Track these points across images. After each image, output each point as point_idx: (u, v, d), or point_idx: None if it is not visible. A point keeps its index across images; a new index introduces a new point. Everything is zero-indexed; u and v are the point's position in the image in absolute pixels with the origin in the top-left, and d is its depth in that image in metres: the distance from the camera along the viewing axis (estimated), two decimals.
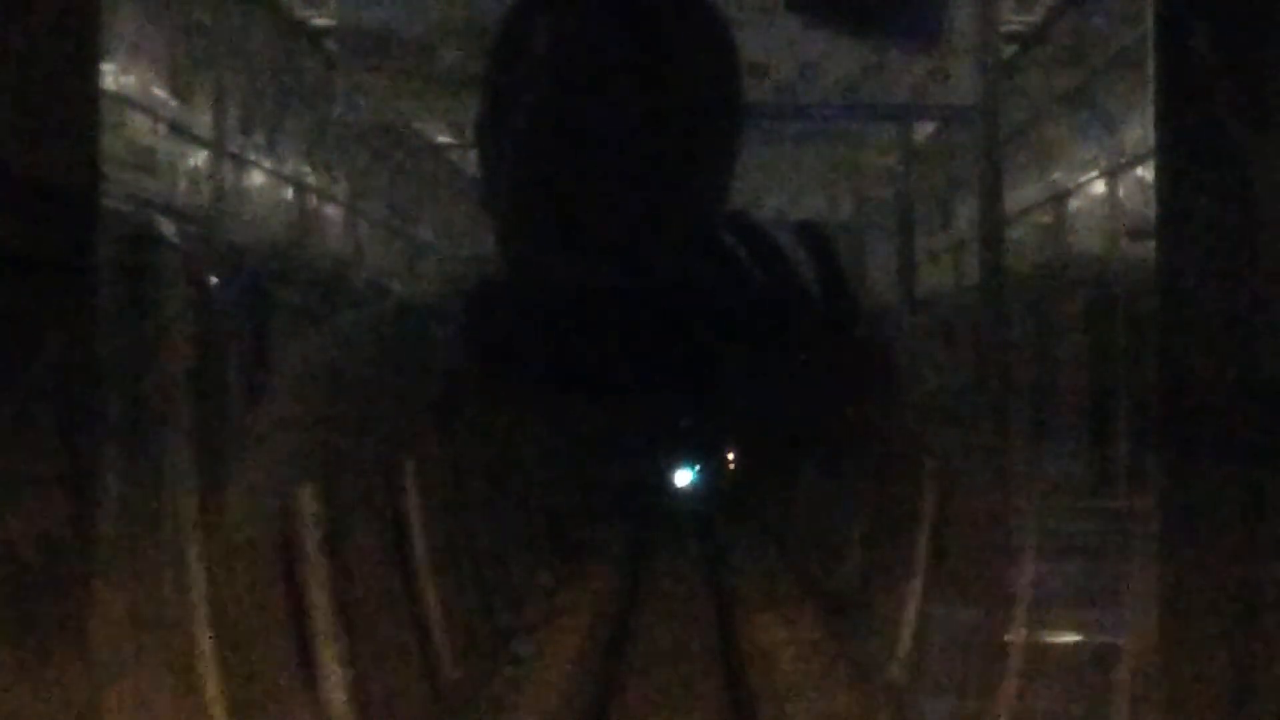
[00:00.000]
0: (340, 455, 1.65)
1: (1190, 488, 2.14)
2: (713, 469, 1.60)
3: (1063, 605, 8.34)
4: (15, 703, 1.91)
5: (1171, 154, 2.19)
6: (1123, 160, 11.23)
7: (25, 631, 1.93)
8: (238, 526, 1.67)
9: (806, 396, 1.55)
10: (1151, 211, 2.20)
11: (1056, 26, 11.80)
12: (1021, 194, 12.88)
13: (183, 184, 9.92)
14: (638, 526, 1.60)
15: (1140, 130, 10.44)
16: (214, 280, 9.87)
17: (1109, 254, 11.44)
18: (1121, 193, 11.35)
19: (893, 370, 1.60)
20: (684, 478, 1.59)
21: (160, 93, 9.57)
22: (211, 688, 1.63)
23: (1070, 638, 7.81)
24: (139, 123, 9.17)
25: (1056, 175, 12.84)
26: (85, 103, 2.03)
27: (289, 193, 12.30)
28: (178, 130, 9.81)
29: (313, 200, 12.83)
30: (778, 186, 15.82)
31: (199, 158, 10.22)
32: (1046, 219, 13.02)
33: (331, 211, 13.43)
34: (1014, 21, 11.48)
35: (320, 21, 10.91)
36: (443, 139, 14.03)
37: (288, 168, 12.11)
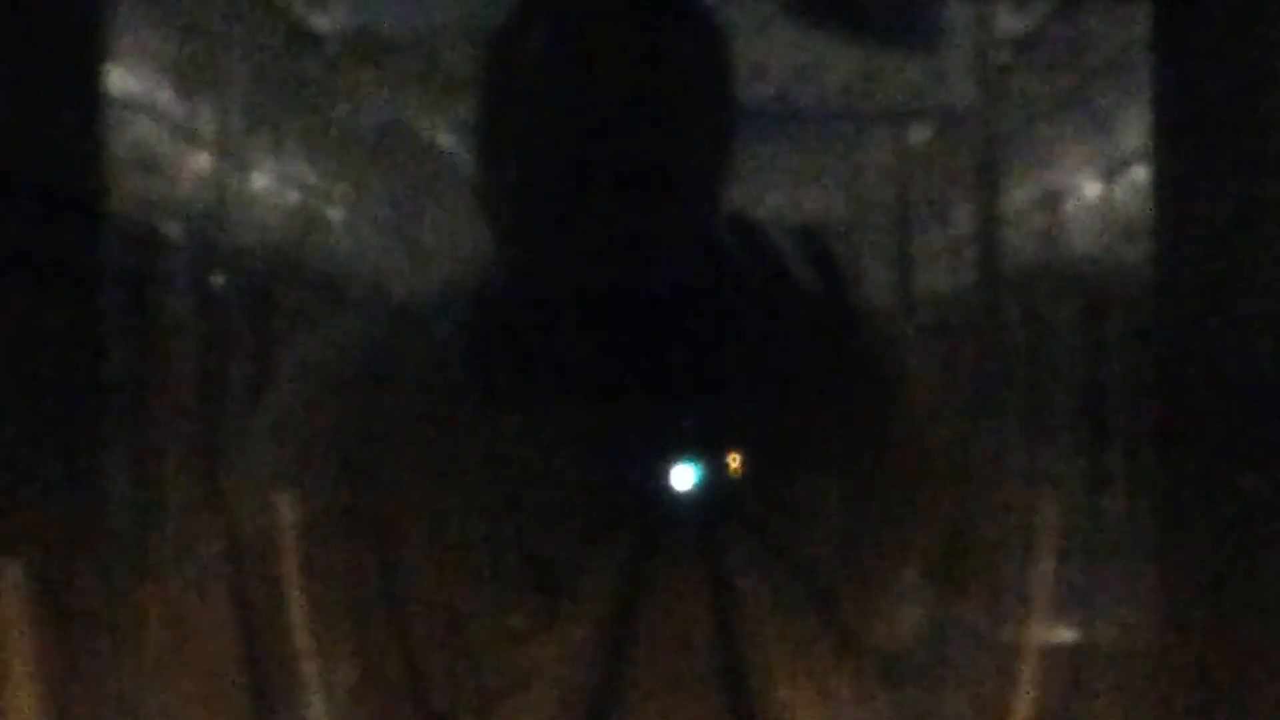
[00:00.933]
0: (337, 459, 1.65)
1: (1187, 488, 2.14)
2: (714, 471, 1.59)
3: (1061, 605, 8.32)
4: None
5: (1169, 156, 2.19)
6: (1120, 162, 11.21)
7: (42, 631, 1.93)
8: (232, 529, 1.68)
9: (805, 398, 1.57)
10: (1148, 213, 2.18)
11: (1053, 29, 11.78)
12: (1018, 196, 12.85)
13: (185, 185, 9.90)
14: (639, 529, 1.60)
15: (1137, 132, 10.42)
16: (219, 281, 9.84)
17: (1106, 255, 11.42)
18: (1118, 195, 11.33)
19: (890, 371, 1.61)
20: (685, 479, 1.59)
21: (163, 95, 9.55)
22: (210, 687, 1.64)
23: (1068, 637, 7.80)
24: (141, 125, 9.16)
25: (1053, 177, 12.81)
26: (90, 107, 2.02)
27: (292, 194, 12.27)
28: (181, 132, 9.79)
29: (315, 201, 12.80)
30: (775, 188, 15.78)
31: (202, 159, 10.20)
32: (1043, 220, 12.99)
33: (333, 213, 13.39)
34: (1010, 24, 11.46)
35: (322, 24, 10.88)
36: (445, 140, 13.99)
37: (290, 169, 12.09)
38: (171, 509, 8.66)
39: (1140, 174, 10.33)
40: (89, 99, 2.14)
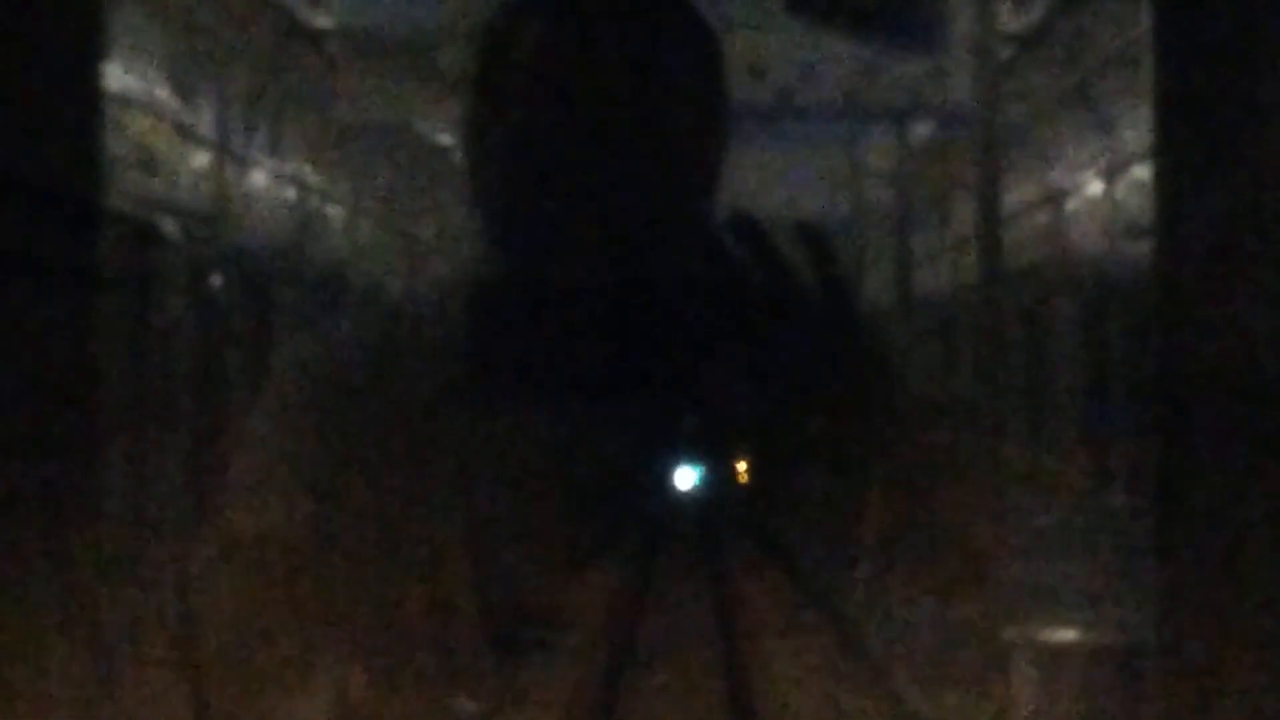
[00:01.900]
0: (334, 458, 1.64)
1: (1188, 486, 2.12)
2: (713, 470, 1.58)
3: (1061, 603, 8.32)
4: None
5: (1170, 154, 2.18)
6: (1121, 160, 11.20)
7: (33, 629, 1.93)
8: (231, 527, 1.66)
9: (804, 396, 1.55)
10: (1149, 211, 2.17)
11: (1054, 27, 11.77)
12: (1019, 194, 12.85)
13: (185, 184, 9.89)
14: (639, 530, 1.60)
15: (1138, 131, 10.42)
16: (217, 280, 9.84)
17: (1107, 254, 11.42)
18: (1119, 193, 11.32)
19: (890, 370, 1.60)
20: (685, 479, 1.58)
21: (162, 93, 9.55)
22: (208, 688, 1.63)
23: (1069, 635, 7.79)
24: (140, 122, 9.15)
25: (1054, 175, 12.81)
26: (88, 106, 2.01)
27: (290, 193, 12.27)
28: (180, 130, 9.79)
29: (314, 200, 12.80)
30: (776, 187, 15.77)
31: (201, 158, 10.19)
32: (1044, 219, 12.99)
33: (332, 211, 13.40)
34: (1012, 23, 11.45)
35: (322, 23, 10.88)
36: (443, 139, 13.98)
37: (289, 168, 12.09)
38: (170, 508, 8.65)
39: (1141, 172, 10.32)
40: (87, 98, 2.13)
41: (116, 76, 8.44)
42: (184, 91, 9.74)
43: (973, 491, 1.70)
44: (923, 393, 1.66)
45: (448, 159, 14.50)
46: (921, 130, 13.96)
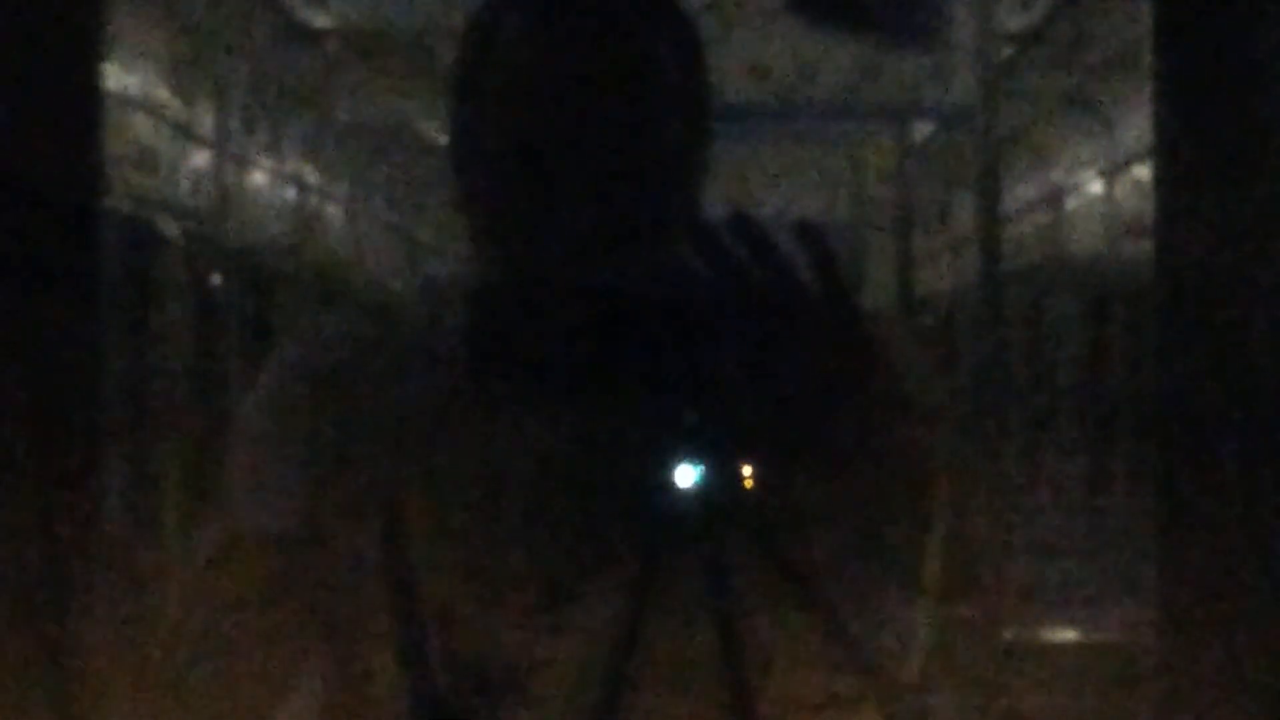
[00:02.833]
0: (327, 457, 1.64)
1: (1188, 487, 2.12)
2: (713, 469, 1.58)
3: (1061, 604, 8.31)
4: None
5: (1170, 154, 2.17)
6: (1121, 160, 11.20)
7: (27, 631, 1.92)
8: (221, 529, 1.66)
9: (804, 397, 1.54)
10: (1150, 211, 2.16)
11: (1055, 27, 11.76)
12: (1020, 194, 12.85)
13: (184, 184, 9.89)
14: (640, 531, 1.59)
15: (1139, 130, 10.42)
16: (215, 280, 9.84)
17: (1107, 253, 11.41)
18: (1120, 192, 11.32)
19: (891, 370, 1.58)
20: (686, 476, 1.58)
21: (162, 93, 9.54)
22: (200, 691, 1.63)
23: (1069, 636, 7.78)
24: (140, 123, 9.15)
25: (1055, 175, 12.81)
26: (86, 106, 2.00)
27: (290, 192, 12.27)
28: (180, 130, 9.78)
29: (313, 200, 12.80)
30: (776, 186, 15.77)
31: (201, 158, 10.19)
32: (1045, 219, 13.00)
33: (332, 211, 13.40)
34: (1012, 22, 11.45)
35: (321, 23, 10.87)
36: (443, 138, 13.97)
37: (289, 168, 12.09)
38: (169, 508, 8.64)
39: (1141, 171, 10.32)
40: (86, 98, 2.12)
41: (115, 76, 8.43)
42: (183, 91, 9.73)
43: (973, 492, 1.69)
44: (923, 392, 1.65)
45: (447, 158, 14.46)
46: (922, 130, 13.96)
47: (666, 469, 1.58)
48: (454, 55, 1.71)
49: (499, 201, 1.63)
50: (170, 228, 9.41)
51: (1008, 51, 11.07)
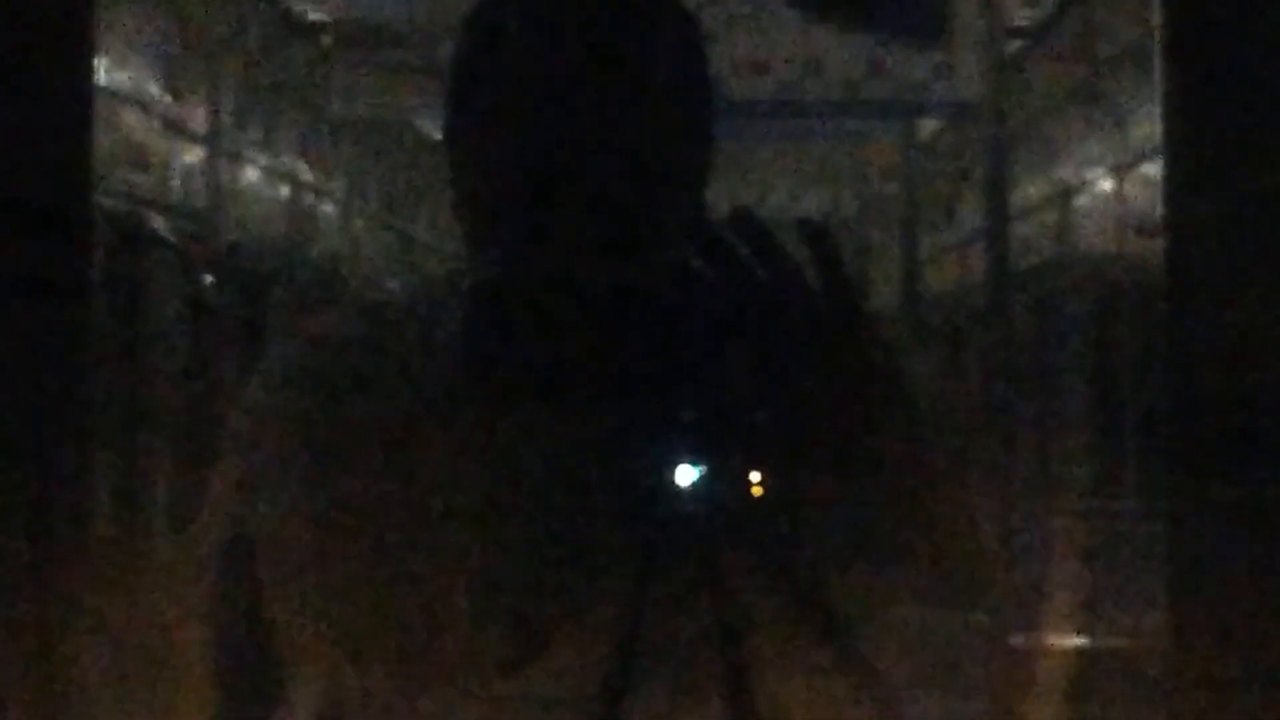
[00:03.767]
0: (323, 458, 1.61)
1: (1198, 488, 2.08)
2: (714, 469, 1.56)
3: (1069, 609, 8.30)
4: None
5: (1180, 150, 2.13)
6: (1130, 157, 11.16)
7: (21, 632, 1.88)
8: (207, 528, 1.65)
9: (808, 396, 1.52)
10: (1159, 208, 2.13)
11: (1062, 21, 11.73)
12: (1027, 191, 12.83)
13: (176, 181, 9.85)
14: (638, 533, 1.57)
15: (1148, 126, 10.37)
16: (208, 279, 9.81)
17: (1116, 251, 11.38)
18: (1129, 190, 11.28)
19: (896, 371, 1.56)
20: (686, 475, 1.56)
21: (154, 89, 9.49)
22: (188, 691, 1.61)
23: (1077, 641, 7.78)
24: (131, 119, 9.09)
25: (1062, 172, 12.77)
26: (78, 108, 1.95)
27: (284, 189, 12.23)
28: (171, 126, 9.74)
29: (308, 197, 12.78)
30: (780, 184, 15.78)
31: (193, 154, 10.15)
32: (1053, 216, 12.96)
33: (327, 208, 13.38)
34: (1019, 16, 11.43)
35: (316, 17, 10.85)
36: (440, 135, 13.95)
37: (283, 164, 12.05)
38: (162, 508, 8.66)
39: (1150, 168, 10.26)
40: (77, 96, 2.06)
41: (106, 71, 8.39)
42: (176, 87, 9.69)
43: (980, 494, 1.67)
44: (929, 392, 1.63)
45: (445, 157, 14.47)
46: (927, 126, 13.94)
47: (666, 469, 1.56)
48: (452, 51, 1.70)
49: (499, 201, 1.62)
50: (162, 226, 9.35)
51: (1015, 46, 11.04)
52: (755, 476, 1.55)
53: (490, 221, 1.63)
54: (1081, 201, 12.33)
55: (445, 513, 1.58)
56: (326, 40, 10.33)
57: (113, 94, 8.62)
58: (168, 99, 9.62)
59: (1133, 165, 11.04)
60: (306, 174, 12.54)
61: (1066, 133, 12.48)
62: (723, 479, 1.56)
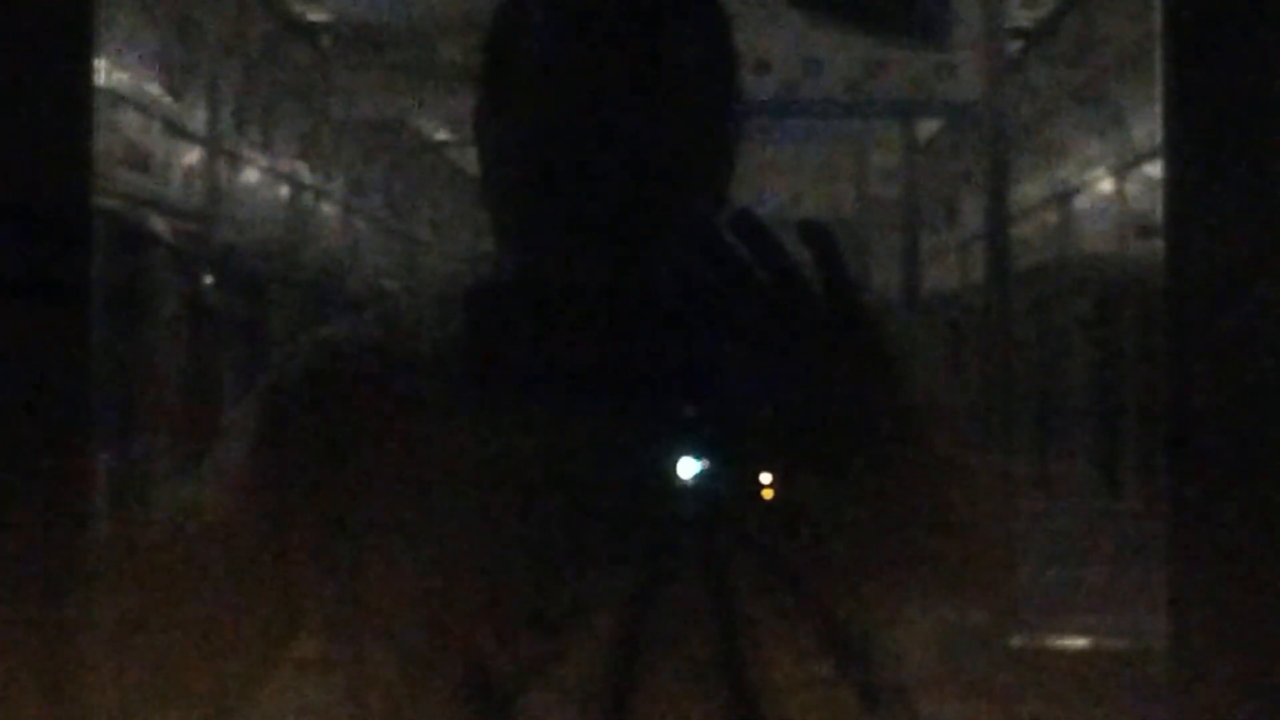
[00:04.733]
0: (328, 459, 1.58)
1: (1198, 489, 2.07)
2: (715, 464, 1.55)
3: (1069, 608, 8.29)
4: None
5: (1180, 151, 2.12)
6: (1130, 157, 11.15)
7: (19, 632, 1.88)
8: (213, 525, 1.61)
9: (809, 396, 1.50)
10: (1160, 209, 2.12)
11: (1063, 22, 11.73)
12: (1027, 191, 12.82)
13: (176, 182, 9.84)
14: (642, 536, 1.56)
15: (1148, 127, 10.36)
16: (208, 279, 9.80)
17: (1116, 252, 11.37)
18: (1129, 190, 11.27)
19: (897, 371, 1.52)
20: (689, 468, 1.55)
21: (153, 89, 9.48)
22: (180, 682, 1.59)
23: (1078, 642, 7.75)
24: (131, 120, 9.08)
25: (1063, 172, 12.77)
26: (78, 110, 1.94)
27: (284, 190, 12.22)
28: (171, 127, 9.73)
29: (308, 198, 12.77)
30: (781, 183, 15.77)
31: (193, 155, 10.13)
32: (1053, 217, 12.96)
33: (327, 209, 13.37)
34: (1020, 17, 11.42)
35: (316, 17, 10.83)
36: (440, 136, 13.95)
37: (283, 166, 12.04)
38: (158, 510, 8.60)
39: (1150, 169, 10.26)
40: (77, 97, 2.05)
41: (106, 72, 8.38)
42: (176, 87, 9.68)
43: (980, 494, 1.64)
44: (929, 392, 1.62)
45: (444, 155, 14.48)
46: (928, 127, 13.92)
47: (668, 469, 1.56)
48: (476, 49, 1.66)
49: (519, 197, 1.60)
50: (161, 226, 9.34)
51: (1015, 47, 11.03)
52: (766, 478, 1.55)
53: (509, 218, 1.61)
54: (1081, 202, 12.32)
55: (447, 512, 1.57)
56: (326, 41, 10.31)
57: (113, 95, 8.61)
58: (168, 100, 9.60)
59: (1133, 166, 11.03)
60: (306, 174, 12.52)
61: (1066, 134, 12.47)
62: (724, 479, 1.55)
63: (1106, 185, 11.72)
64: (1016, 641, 7.23)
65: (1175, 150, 2.12)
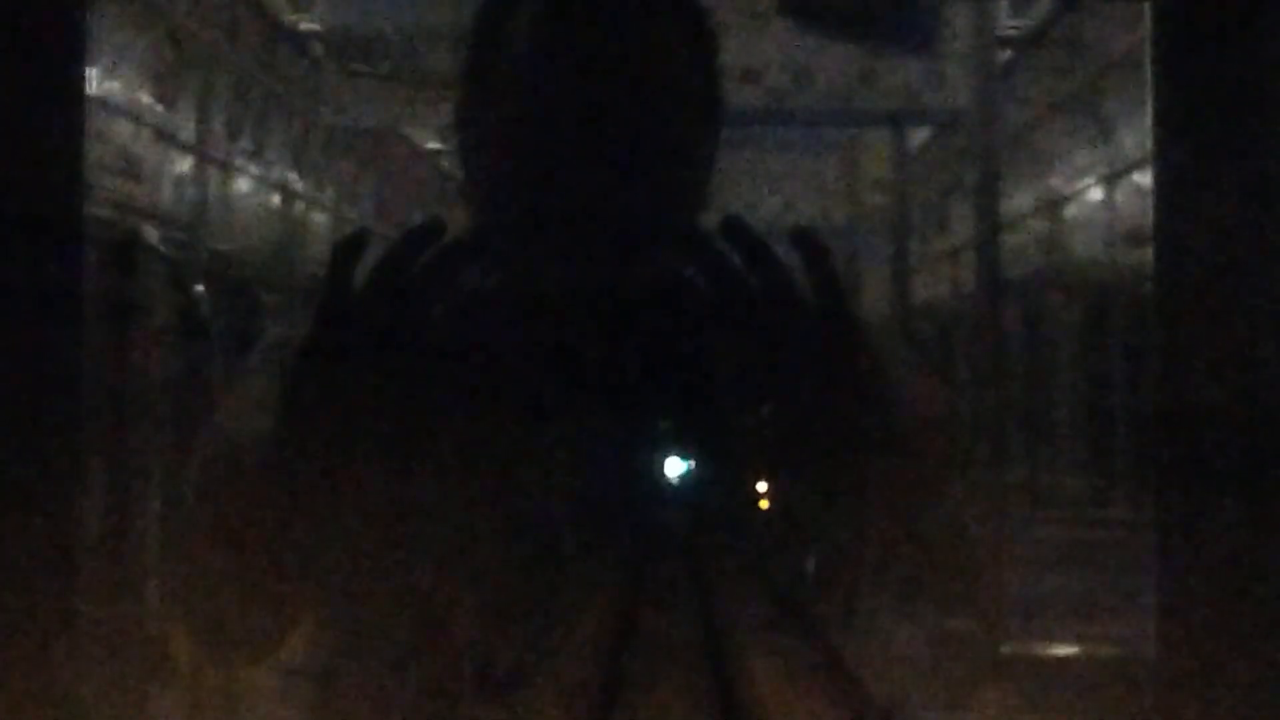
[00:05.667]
0: (322, 460, 1.58)
1: (1188, 497, 2.07)
2: (704, 477, 1.57)
3: (1061, 615, 8.30)
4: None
5: (1170, 160, 2.13)
6: (1120, 166, 11.15)
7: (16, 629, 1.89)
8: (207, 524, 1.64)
9: (798, 403, 1.51)
10: (1149, 218, 2.13)
11: (1052, 31, 11.72)
12: (1018, 200, 12.80)
13: (167, 190, 9.82)
14: (631, 540, 1.58)
15: (1138, 136, 10.35)
16: (199, 288, 9.78)
17: (1106, 261, 11.37)
18: (1119, 199, 11.26)
19: (888, 378, 1.55)
20: (676, 469, 1.56)
21: (145, 98, 9.46)
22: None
23: (1067, 650, 7.76)
24: (121, 128, 9.07)
25: (1053, 181, 12.76)
26: (69, 119, 1.95)
27: (275, 198, 12.20)
28: (163, 136, 9.71)
29: (300, 206, 12.74)
30: (771, 192, 15.76)
31: (184, 164, 10.11)
32: (1043, 225, 12.95)
33: (319, 217, 13.34)
34: (1009, 26, 11.41)
35: (308, 26, 10.81)
36: (432, 144, 13.94)
37: (274, 173, 12.01)
38: (152, 513, 8.64)
39: (1140, 177, 10.26)
40: (68, 106, 2.07)
41: (96, 80, 8.37)
42: (167, 96, 9.66)
43: (970, 503, 1.68)
44: (919, 400, 1.64)
45: (436, 163, 14.47)
46: (918, 135, 13.92)
47: (657, 474, 1.57)
48: (462, 53, 1.70)
49: (504, 202, 1.63)
50: (153, 235, 9.33)
51: (1005, 55, 11.02)
52: (762, 486, 1.55)
53: (494, 222, 1.63)
54: (1072, 211, 12.31)
55: (431, 513, 1.59)
56: (318, 50, 10.30)
57: (104, 104, 8.59)
58: (159, 108, 9.59)
59: (1123, 174, 11.03)
60: (297, 183, 12.50)
61: (1056, 142, 12.47)
62: (712, 484, 1.56)
63: (1097, 194, 11.72)
64: (1006, 649, 7.24)
65: (1165, 159, 2.13)
